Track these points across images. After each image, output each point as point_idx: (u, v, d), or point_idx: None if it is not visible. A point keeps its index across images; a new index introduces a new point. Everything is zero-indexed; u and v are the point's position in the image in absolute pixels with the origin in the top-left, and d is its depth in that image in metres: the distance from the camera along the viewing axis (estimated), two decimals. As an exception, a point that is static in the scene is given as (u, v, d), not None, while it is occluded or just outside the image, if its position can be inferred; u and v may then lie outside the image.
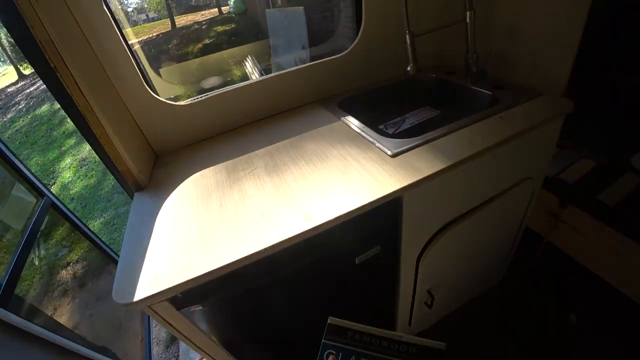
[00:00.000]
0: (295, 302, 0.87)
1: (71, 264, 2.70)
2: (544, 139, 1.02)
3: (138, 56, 1.06)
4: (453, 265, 1.15)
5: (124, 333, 1.88)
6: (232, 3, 7.70)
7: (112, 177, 3.85)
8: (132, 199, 0.92)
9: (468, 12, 1.03)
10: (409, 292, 1.09)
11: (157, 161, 1.06)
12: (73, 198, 4.12)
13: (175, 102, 1.06)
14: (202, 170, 0.93)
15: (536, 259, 1.52)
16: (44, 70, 0.77)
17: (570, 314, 1.38)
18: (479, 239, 1.13)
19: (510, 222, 1.24)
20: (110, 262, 2.18)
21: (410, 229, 0.87)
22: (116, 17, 0.93)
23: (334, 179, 0.77)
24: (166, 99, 1.04)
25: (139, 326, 1.88)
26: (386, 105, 1.28)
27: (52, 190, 4.35)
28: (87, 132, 0.84)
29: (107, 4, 0.89)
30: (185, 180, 0.90)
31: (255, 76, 3.99)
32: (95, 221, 3.56)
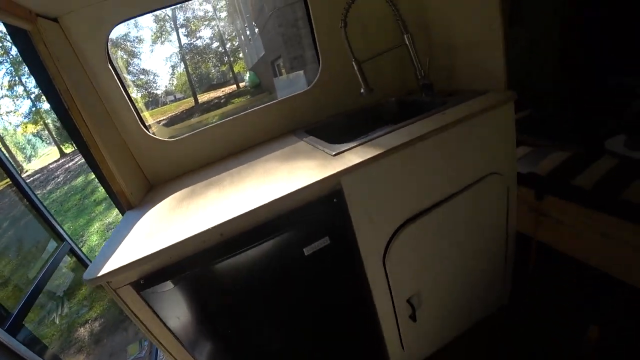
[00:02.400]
0: (260, 301, 0.92)
1: (89, 321, 2.80)
2: (496, 130, 1.06)
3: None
4: (434, 273, 1.13)
5: None
6: (247, 78, 8.57)
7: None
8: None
9: (405, 35, 1.20)
10: (386, 302, 1.08)
11: (150, 190, 1.23)
12: (97, 259, 4.31)
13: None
14: (184, 189, 1.09)
15: (529, 267, 1.48)
16: (61, 113, 1.00)
17: (587, 330, 1.21)
18: (455, 239, 1.11)
19: (490, 222, 1.19)
20: (126, 319, 2.23)
21: (361, 222, 0.92)
22: (120, 74, 1.18)
23: (281, 178, 0.90)
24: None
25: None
26: (353, 129, 1.41)
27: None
28: (90, 158, 1.04)
29: (112, 62, 1.14)
30: (168, 197, 1.06)
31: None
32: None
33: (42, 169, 9.69)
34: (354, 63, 1.18)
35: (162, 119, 8.65)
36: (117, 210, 1.24)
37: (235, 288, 0.86)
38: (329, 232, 0.90)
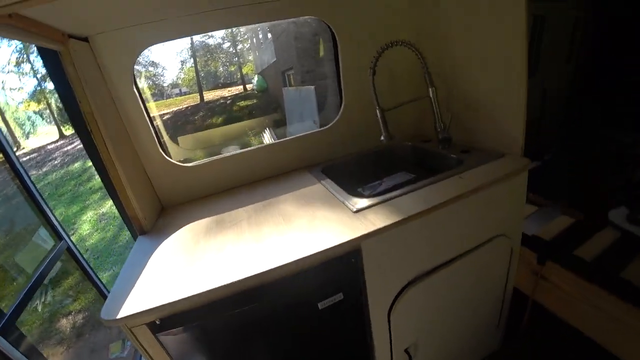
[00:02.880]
0: (269, 348, 0.93)
1: (73, 313, 2.75)
2: (508, 196, 1.10)
3: (158, 128, 1.29)
4: (432, 324, 1.16)
5: None
6: (255, 82, 8.60)
7: (127, 232, 4.03)
8: (135, 241, 1.07)
9: (430, 89, 1.24)
10: (385, 349, 1.10)
11: (162, 212, 1.23)
12: (88, 249, 4.28)
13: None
14: (197, 220, 1.09)
15: (523, 323, 1.50)
16: (83, 133, 1.00)
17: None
18: (458, 296, 1.15)
19: (491, 280, 1.24)
20: None
21: (374, 280, 0.94)
22: (143, 97, 1.18)
23: (301, 230, 0.90)
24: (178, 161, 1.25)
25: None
26: (366, 170, 1.44)
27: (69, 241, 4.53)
28: (108, 184, 1.04)
29: (137, 87, 1.15)
30: (182, 228, 1.06)
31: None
32: (104, 273, 3.67)
33: (39, 149, 9.58)
34: (377, 111, 1.20)
35: (166, 112, 8.61)
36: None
37: (247, 335, 0.87)
38: (343, 288, 0.92)
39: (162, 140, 1.27)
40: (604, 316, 1.14)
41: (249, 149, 1.32)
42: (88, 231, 4.79)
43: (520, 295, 1.43)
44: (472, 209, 1.02)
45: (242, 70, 10.52)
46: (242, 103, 8.56)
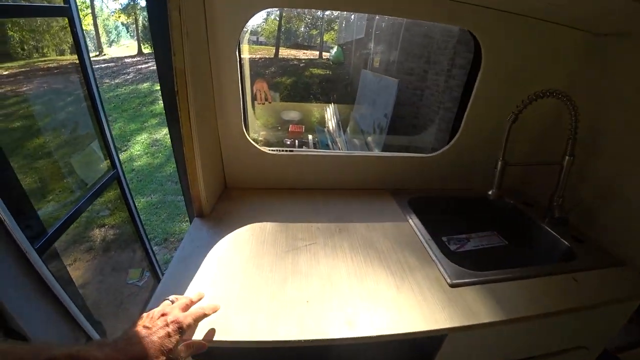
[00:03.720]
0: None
1: (106, 226, 2.85)
2: (615, 314, 0.93)
3: (246, 96, 1.16)
4: None
5: (122, 313, 1.90)
6: (333, 52, 8.32)
7: (173, 164, 4.13)
8: (190, 222, 0.97)
9: (567, 157, 1.02)
10: None
11: (225, 192, 1.12)
12: (134, 169, 4.44)
13: (256, 139, 1.12)
14: (263, 223, 0.96)
15: None
16: (167, 88, 0.88)
17: None
18: None
19: None
20: (137, 241, 2.23)
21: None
22: (242, 62, 1.05)
23: (387, 290, 0.75)
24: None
25: (137, 312, 1.89)
26: (455, 217, 1.25)
27: (121, 156, 4.74)
28: (179, 152, 0.92)
29: (240, 50, 1.01)
30: (245, 227, 0.94)
31: (332, 124, 4.18)
32: (143, 198, 3.78)
33: (118, 59, 10.06)
34: (500, 162, 0.99)
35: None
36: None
37: None
38: None
39: (247, 115, 1.14)
40: None
41: (333, 152, 1.18)
42: (138, 152, 4.97)
43: None
44: (572, 318, 0.84)
45: (323, 36, 10.24)
46: (315, 70, 8.33)
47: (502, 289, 0.79)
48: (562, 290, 0.81)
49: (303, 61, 9.07)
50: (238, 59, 0.99)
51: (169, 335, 0.50)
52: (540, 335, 0.87)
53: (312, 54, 9.98)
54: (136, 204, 2.18)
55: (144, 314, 0.54)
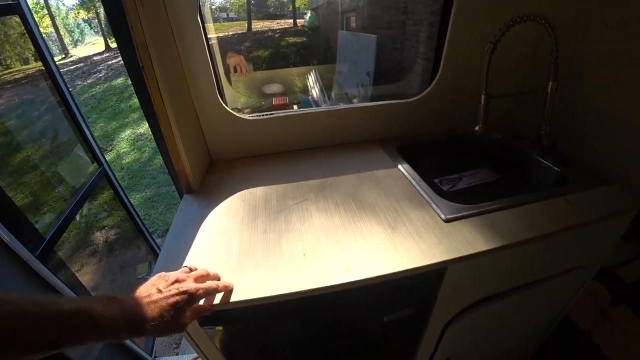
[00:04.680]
0: (315, 344, 0.85)
1: (106, 228, 2.85)
2: (609, 230, 0.95)
3: (216, 64, 1.11)
4: (481, 340, 1.08)
5: None
6: (307, 18, 8.02)
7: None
8: (181, 198, 0.96)
9: (550, 82, 0.99)
10: (427, 353, 1.03)
11: (211, 166, 1.10)
12: (123, 168, 4.38)
13: (239, 109, 1.09)
14: (253, 188, 0.95)
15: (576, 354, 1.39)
16: (132, 65, 0.84)
17: None
18: (515, 319, 1.06)
19: (551, 308, 1.15)
20: (140, 236, 2.25)
21: (445, 298, 0.82)
22: (206, 27, 0.99)
23: (382, 232, 0.75)
24: (230, 107, 1.08)
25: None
26: (444, 158, 1.24)
27: (108, 156, 4.67)
28: (156, 129, 0.89)
29: (202, 14, 0.95)
30: (235, 194, 0.92)
31: (315, 91, 4.09)
32: (137, 194, 3.76)
33: (86, 59, 9.65)
34: (483, 96, 0.97)
35: (210, 36, 8.27)
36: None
37: (301, 341, 0.78)
38: (414, 303, 0.81)
39: (220, 84, 1.11)
40: None
41: (314, 109, 1.14)
42: (125, 149, 4.88)
43: (570, 321, 1.34)
44: (567, 238, 0.85)
45: (295, 2, 9.83)
46: (291, 39, 8.06)
47: (497, 218, 0.80)
48: (555, 212, 0.82)
49: (278, 31, 8.75)
50: (202, 25, 0.95)
51: (177, 303, 0.50)
52: (540, 259, 0.89)
53: (287, 23, 9.62)
54: (132, 201, 2.17)
55: (160, 274, 0.55)
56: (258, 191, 0.93)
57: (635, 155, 0.90)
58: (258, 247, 0.72)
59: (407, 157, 1.08)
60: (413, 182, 0.94)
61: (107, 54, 9.88)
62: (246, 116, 1.08)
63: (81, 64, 9.13)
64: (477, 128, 1.01)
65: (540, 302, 1.06)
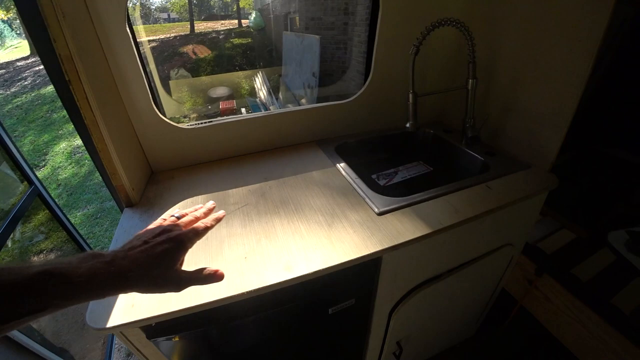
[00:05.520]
0: (266, 343, 0.87)
1: (45, 252, 2.63)
2: (528, 209, 1.08)
3: (150, 72, 1.09)
4: (426, 321, 1.17)
5: (87, 333, 1.83)
6: (252, 18, 7.92)
7: (104, 168, 3.81)
8: (121, 212, 0.93)
9: (470, 80, 1.10)
10: (378, 341, 1.10)
11: (152, 177, 1.08)
12: (60, 184, 4.06)
13: (185, 116, 1.08)
14: (195, 197, 0.95)
15: (506, 322, 1.54)
16: (58, 79, 0.80)
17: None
18: (455, 298, 1.16)
19: (487, 284, 1.27)
20: None
21: (385, 286, 0.89)
22: (137, 39, 0.97)
23: (319, 230, 0.79)
24: (170, 117, 1.07)
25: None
26: (381, 154, 1.32)
27: (41, 172, 4.29)
28: (89, 144, 0.86)
29: (131, 24, 0.93)
30: (177, 204, 0.92)
31: (263, 93, 4.08)
32: (78, 212, 3.51)
33: (7, 64, 8.71)
34: (410, 95, 1.06)
35: (152, 38, 7.89)
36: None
37: (248, 340, 0.79)
38: (355, 294, 0.85)
39: (156, 94, 1.09)
40: (587, 334, 1.19)
41: (254, 114, 1.15)
42: (61, 164, 4.51)
43: (506, 295, 1.49)
44: (492, 220, 0.96)
45: (239, 2, 9.64)
46: (236, 40, 7.90)
47: (426, 207, 0.87)
48: (479, 198, 0.92)
49: (222, 32, 8.52)
50: (131, 35, 0.92)
51: (167, 251, 0.45)
52: (471, 241, 0.99)
53: (231, 24, 9.41)
54: (72, 220, 2.02)
55: (147, 228, 0.50)
56: (200, 199, 0.94)
57: (545, 142, 1.03)
58: (200, 255, 0.73)
59: (345, 156, 1.13)
60: (350, 179, 0.99)
61: (33, 59, 8.96)
62: (184, 125, 1.08)
63: (2, 71, 8.24)
64: (408, 125, 1.10)
65: (477, 279, 1.16)
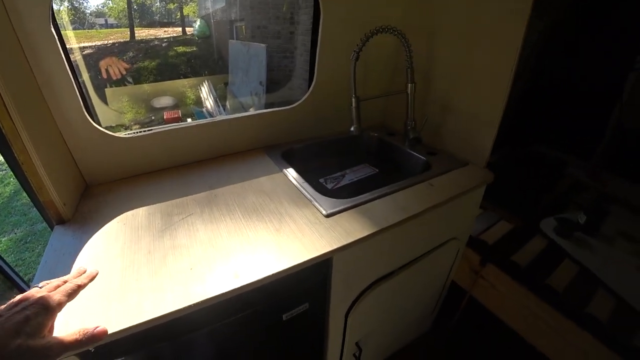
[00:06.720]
0: (221, 354, 0.84)
1: None
2: (468, 204, 1.16)
3: (83, 80, 1.02)
4: (382, 319, 1.19)
5: None
6: (197, 26, 7.71)
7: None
8: (51, 230, 0.85)
9: (409, 85, 1.17)
10: (337, 344, 1.10)
11: (86, 191, 1.00)
12: (-20, 207, 3.61)
13: (125, 127, 1.02)
14: (135, 209, 0.89)
15: (458, 313, 1.63)
16: None
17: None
18: (408, 294, 1.20)
19: (437, 278, 1.33)
20: (13, 288, 1.90)
21: (339, 287, 0.90)
22: (68, 45, 0.90)
23: (267, 235, 0.79)
24: (106, 127, 1.00)
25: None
26: (328, 159, 1.35)
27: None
28: (9, 156, 0.78)
29: (57, 26, 0.87)
30: (115, 219, 0.86)
31: (209, 102, 3.96)
32: (4, 237, 3.14)
33: None
34: (353, 99, 1.09)
35: (87, 45, 7.35)
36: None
37: (205, 353, 0.76)
38: (309, 298, 0.86)
39: (88, 102, 1.01)
40: (531, 315, 1.29)
41: (198, 122, 1.12)
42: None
43: (456, 288, 1.57)
44: (436, 216, 1.02)
45: (183, 9, 9.34)
46: (180, 49, 7.62)
47: (373, 207, 0.90)
48: (422, 195, 0.97)
49: (165, 40, 8.18)
50: (58, 37, 0.85)
51: (27, 318, 0.41)
52: (418, 237, 1.04)
53: (175, 31, 9.06)
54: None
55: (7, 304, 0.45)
56: (141, 212, 0.88)
57: (480, 140, 1.12)
58: (142, 270, 0.68)
59: (292, 162, 1.14)
60: (297, 184, 1.00)
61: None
62: (122, 134, 1.02)
63: None
64: (352, 129, 1.13)
65: (427, 274, 1.22)
